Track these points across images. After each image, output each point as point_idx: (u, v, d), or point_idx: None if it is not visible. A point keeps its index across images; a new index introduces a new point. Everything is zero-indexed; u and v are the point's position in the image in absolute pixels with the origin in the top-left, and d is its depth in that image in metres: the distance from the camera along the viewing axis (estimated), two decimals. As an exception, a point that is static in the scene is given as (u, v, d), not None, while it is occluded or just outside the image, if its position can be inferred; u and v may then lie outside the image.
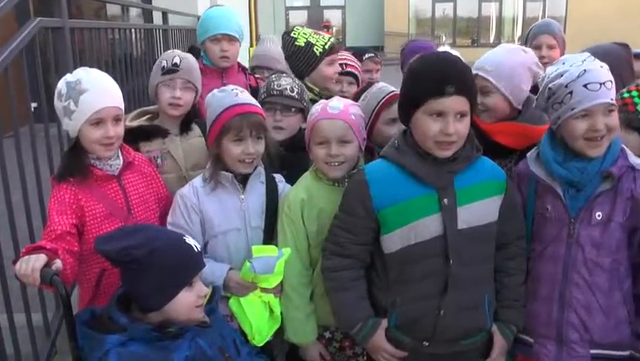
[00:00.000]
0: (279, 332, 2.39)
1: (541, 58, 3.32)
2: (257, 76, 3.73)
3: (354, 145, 2.35)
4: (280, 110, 2.74)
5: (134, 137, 2.64)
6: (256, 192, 2.45)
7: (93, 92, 2.21)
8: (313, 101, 2.81)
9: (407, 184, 2.10)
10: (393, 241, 2.13)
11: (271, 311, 2.36)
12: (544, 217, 2.22)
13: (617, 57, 2.91)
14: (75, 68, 2.36)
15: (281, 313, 2.38)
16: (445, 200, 2.08)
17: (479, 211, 2.13)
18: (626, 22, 21.01)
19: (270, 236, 2.45)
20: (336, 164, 2.33)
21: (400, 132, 2.20)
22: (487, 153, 2.22)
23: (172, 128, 2.79)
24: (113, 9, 8.61)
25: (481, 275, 2.17)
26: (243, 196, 2.41)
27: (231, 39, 3.38)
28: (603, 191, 2.09)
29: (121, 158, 2.39)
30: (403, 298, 2.15)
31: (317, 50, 3.14)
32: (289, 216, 2.38)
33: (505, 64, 2.49)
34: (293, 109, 2.76)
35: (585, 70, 2.05)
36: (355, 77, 3.73)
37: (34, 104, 3.03)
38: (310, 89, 3.03)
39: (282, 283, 2.37)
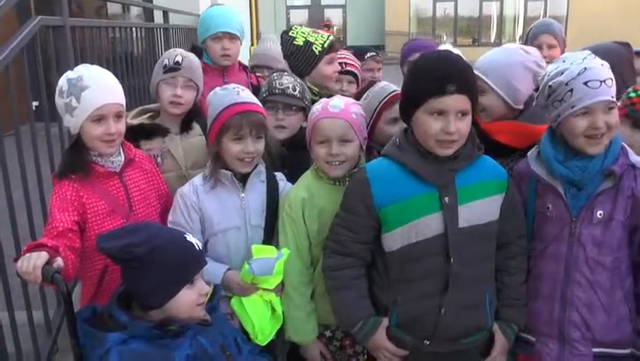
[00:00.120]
0: (280, 331, 2.39)
1: (543, 57, 3.32)
2: (258, 74, 3.73)
3: (355, 144, 2.35)
4: (282, 109, 2.74)
5: (135, 135, 2.64)
6: (256, 191, 2.45)
7: (95, 88, 2.21)
8: (313, 102, 2.81)
9: (408, 183, 2.10)
10: (394, 240, 2.13)
11: (273, 310, 2.36)
12: (545, 216, 2.22)
13: (618, 56, 2.90)
14: (76, 66, 2.35)
15: (282, 312, 2.39)
16: (446, 198, 2.08)
17: (480, 210, 2.13)
18: (627, 21, 20.99)
19: (270, 235, 2.45)
20: (337, 163, 2.33)
21: (401, 131, 2.20)
22: (489, 152, 2.22)
23: (173, 127, 2.79)
24: (114, 8, 8.62)
25: (481, 274, 2.17)
26: (243, 195, 2.41)
27: (232, 37, 3.38)
28: (604, 190, 2.09)
29: (122, 155, 2.39)
30: (404, 297, 2.15)
31: (316, 48, 3.13)
32: (290, 215, 2.38)
33: (499, 63, 2.49)
34: (294, 108, 2.76)
35: (586, 68, 2.05)
36: (355, 75, 3.72)
37: (35, 103, 3.04)
38: (309, 89, 3.03)
39: (282, 283, 2.37)
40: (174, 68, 2.74)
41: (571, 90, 2.05)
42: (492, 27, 26.90)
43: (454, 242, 2.07)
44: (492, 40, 25.98)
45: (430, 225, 2.08)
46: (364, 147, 2.45)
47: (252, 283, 2.28)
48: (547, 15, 23.24)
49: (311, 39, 3.15)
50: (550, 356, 2.21)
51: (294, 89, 2.74)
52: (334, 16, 28.76)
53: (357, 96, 2.76)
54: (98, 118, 2.24)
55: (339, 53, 3.43)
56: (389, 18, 25.95)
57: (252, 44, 11.72)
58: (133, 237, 1.84)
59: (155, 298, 1.87)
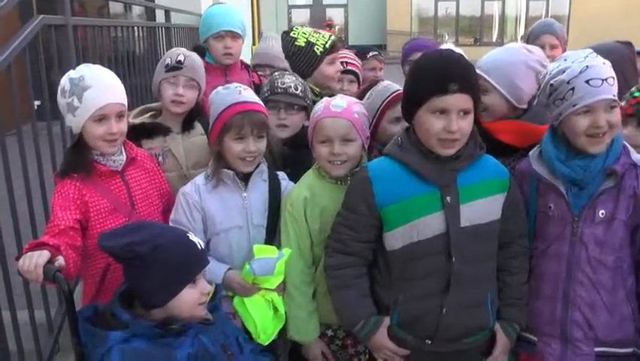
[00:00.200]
0: (282, 331, 2.40)
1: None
2: (260, 73, 3.73)
3: (357, 144, 2.35)
4: (284, 108, 2.74)
5: (137, 134, 2.65)
6: (258, 190, 2.45)
7: (96, 88, 2.22)
8: (314, 103, 2.81)
9: (410, 182, 2.10)
10: (395, 239, 2.13)
11: (275, 310, 2.36)
12: (546, 216, 2.21)
13: (620, 55, 2.90)
14: (78, 65, 2.35)
15: (285, 312, 2.39)
16: (448, 198, 2.08)
17: (482, 209, 2.12)
18: (630, 21, 20.96)
19: (272, 234, 2.46)
20: (339, 163, 2.33)
21: (403, 130, 2.20)
22: (491, 152, 2.22)
23: (174, 126, 2.80)
24: (116, 7, 8.62)
25: (483, 273, 2.17)
26: (245, 194, 2.41)
27: (234, 36, 3.38)
28: (606, 189, 2.08)
29: (124, 154, 2.40)
30: (406, 296, 2.15)
31: (317, 49, 3.12)
32: (292, 215, 2.38)
33: (502, 62, 2.48)
34: (296, 107, 2.76)
35: (587, 66, 2.04)
36: (356, 75, 3.72)
37: (37, 102, 3.04)
38: (311, 90, 3.02)
39: (284, 282, 2.37)
40: (176, 67, 2.74)
41: (572, 89, 2.05)
42: (494, 27, 26.88)
43: (455, 242, 2.07)
44: (494, 39, 25.96)
45: (432, 224, 2.08)
46: (366, 147, 2.44)
47: (253, 283, 2.28)
48: (549, 15, 23.22)
49: (312, 40, 3.15)
50: (552, 355, 2.21)
51: (296, 88, 2.74)
52: (336, 16, 28.74)
53: (361, 95, 2.75)
54: (100, 118, 2.24)
55: (340, 52, 3.43)
56: (391, 17, 25.94)
57: (254, 44, 11.72)
58: (135, 235, 1.84)
59: (157, 297, 1.87)
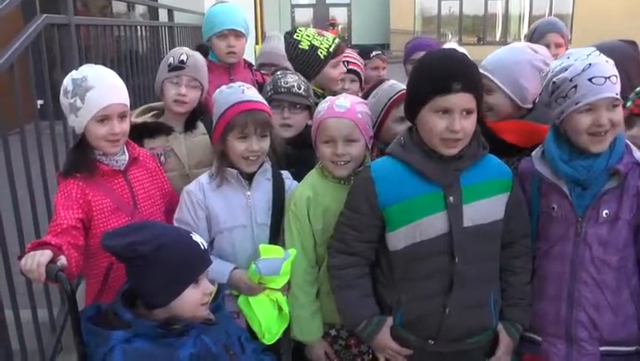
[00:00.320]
0: (285, 330, 2.40)
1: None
2: (263, 72, 3.73)
3: (360, 144, 2.34)
4: (287, 108, 2.74)
5: (139, 133, 2.65)
6: (262, 189, 2.45)
7: (99, 88, 2.22)
8: (317, 103, 2.80)
9: (413, 182, 2.09)
10: (398, 239, 2.12)
11: (280, 309, 2.37)
12: (550, 216, 2.20)
13: (623, 54, 2.88)
14: (81, 65, 2.36)
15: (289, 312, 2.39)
16: (451, 198, 2.07)
17: (485, 209, 2.12)
18: (633, 20, 20.89)
19: (276, 233, 2.46)
20: (342, 163, 2.33)
21: (406, 130, 2.20)
22: (495, 152, 2.21)
23: (177, 126, 2.80)
24: (118, 6, 8.62)
25: (486, 273, 2.17)
26: (249, 193, 2.41)
27: (238, 35, 3.38)
28: (610, 188, 2.07)
29: (127, 153, 2.40)
30: (408, 297, 2.15)
31: (321, 53, 3.11)
32: (295, 214, 2.38)
33: (506, 62, 2.48)
34: (299, 106, 2.76)
35: (590, 64, 2.03)
36: (357, 74, 3.72)
37: (40, 102, 3.04)
38: (313, 91, 3.02)
39: (289, 282, 2.37)
40: (179, 66, 2.74)
41: (575, 86, 2.04)
42: (497, 26, 26.84)
43: (458, 242, 2.06)
44: (497, 38, 25.92)
45: (435, 224, 2.07)
46: (370, 147, 2.44)
47: (259, 282, 2.28)
48: (553, 14, 23.18)
49: (316, 43, 3.13)
50: (557, 355, 2.20)
51: (299, 88, 2.74)
52: (339, 15, 28.74)
53: (366, 95, 2.75)
54: (102, 118, 2.24)
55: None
56: (394, 17, 25.92)
57: (257, 43, 11.72)
58: (138, 235, 1.84)
59: (160, 297, 1.87)
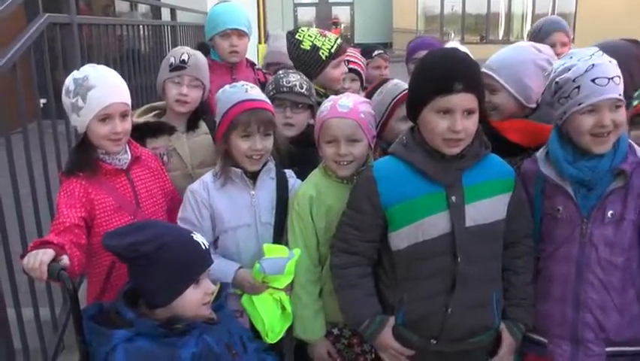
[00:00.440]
0: (288, 329, 2.40)
1: (556, 55, 3.29)
2: (265, 71, 3.73)
3: (363, 144, 2.34)
4: (290, 107, 2.74)
5: (141, 133, 2.65)
6: (266, 188, 2.45)
7: (100, 88, 2.23)
8: (319, 104, 2.80)
9: (415, 181, 2.09)
10: (400, 239, 2.12)
11: (283, 309, 2.37)
12: (555, 218, 2.19)
13: (626, 53, 2.87)
14: (83, 64, 2.37)
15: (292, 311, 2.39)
16: (453, 198, 2.07)
17: (487, 209, 2.11)
18: (636, 19, 20.83)
19: (279, 232, 2.46)
20: (345, 163, 2.33)
21: (408, 129, 2.19)
22: (498, 151, 2.21)
23: (179, 125, 2.80)
24: (121, 5, 8.63)
25: (488, 273, 2.16)
26: (253, 192, 2.42)
27: (241, 34, 3.38)
28: (614, 189, 2.06)
29: (129, 153, 2.41)
30: (411, 296, 2.15)
31: (323, 53, 3.10)
32: (298, 213, 2.38)
33: (510, 61, 2.47)
34: (301, 105, 2.76)
35: (593, 64, 2.02)
36: (358, 73, 3.72)
37: (43, 101, 3.04)
38: (316, 90, 3.01)
39: (292, 281, 2.37)
40: (180, 66, 2.74)
41: (578, 87, 2.02)
42: (500, 24, 26.81)
43: (460, 241, 2.06)
44: (500, 37, 25.90)
45: (437, 224, 2.07)
46: (373, 146, 2.44)
47: (262, 281, 2.29)
48: (556, 12, 23.13)
49: (318, 43, 3.12)
50: (563, 357, 2.19)
51: (301, 87, 2.74)
52: (342, 14, 28.73)
53: (369, 94, 2.75)
54: (104, 117, 2.25)
55: (342, 52, 3.41)
56: (397, 15, 25.90)
57: (260, 42, 11.71)
58: (139, 235, 1.84)
59: (161, 297, 1.87)
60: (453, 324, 2.11)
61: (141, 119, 2.77)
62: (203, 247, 1.93)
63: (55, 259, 1.89)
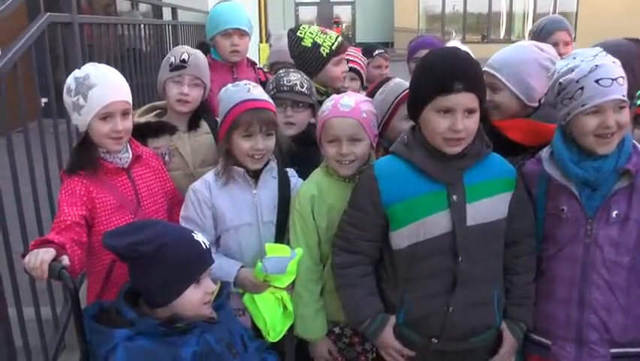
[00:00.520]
0: (289, 328, 2.40)
1: (558, 55, 3.28)
2: (265, 70, 3.73)
3: (365, 143, 2.34)
4: (290, 106, 2.73)
5: (142, 133, 2.65)
6: (268, 187, 2.45)
7: (101, 86, 2.23)
8: (319, 102, 2.80)
9: (416, 180, 2.09)
10: (401, 238, 2.12)
11: (284, 307, 2.37)
12: (559, 218, 2.17)
13: (628, 52, 2.87)
14: (84, 63, 2.37)
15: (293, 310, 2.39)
16: (454, 197, 2.07)
17: (489, 208, 2.11)
18: (637, 18, 20.82)
19: (281, 231, 2.46)
20: (347, 162, 2.33)
21: (409, 128, 2.19)
22: (499, 150, 2.20)
23: (180, 125, 2.80)
24: (122, 5, 8.63)
25: (489, 272, 2.16)
26: (255, 191, 2.42)
27: (242, 33, 3.37)
28: (619, 189, 2.06)
29: (130, 151, 2.41)
30: (411, 295, 2.15)
31: (324, 50, 3.10)
32: (299, 212, 2.38)
33: (513, 60, 2.46)
34: (302, 104, 2.75)
35: (597, 65, 2.01)
36: (357, 72, 3.71)
37: (44, 100, 3.04)
38: (316, 88, 3.01)
39: (294, 281, 2.38)
40: (180, 65, 2.74)
41: (581, 88, 2.02)
42: (501, 24, 26.79)
43: (461, 240, 2.06)
44: (501, 36, 25.87)
45: (438, 223, 2.07)
46: (374, 145, 2.44)
47: (264, 280, 2.29)
48: (557, 12, 23.11)
49: (319, 40, 3.12)
50: (567, 359, 2.17)
51: (302, 86, 2.73)
52: (343, 13, 28.70)
53: (371, 94, 2.74)
54: (105, 116, 2.25)
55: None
56: (398, 15, 25.89)
57: (261, 41, 11.72)
58: (140, 234, 1.84)
59: (161, 297, 1.87)
60: (454, 323, 2.11)
61: (142, 119, 2.76)
62: (204, 246, 1.92)
63: (55, 259, 1.90)
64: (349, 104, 2.33)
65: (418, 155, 2.09)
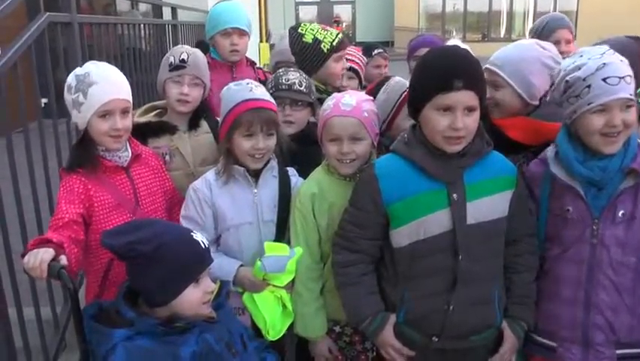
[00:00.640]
0: (289, 326, 2.40)
1: (560, 53, 3.27)
2: (265, 70, 3.73)
3: (366, 142, 2.34)
4: (289, 105, 2.73)
5: (143, 133, 2.65)
6: (269, 186, 2.45)
7: (101, 84, 2.23)
8: (317, 99, 2.80)
9: (416, 179, 2.09)
10: (402, 236, 2.12)
11: (284, 306, 2.37)
12: (564, 219, 2.15)
13: (629, 50, 2.86)
14: (84, 63, 2.37)
15: (293, 308, 2.39)
16: (455, 195, 2.06)
17: (489, 207, 2.10)
18: (638, 17, 20.80)
19: (282, 230, 2.46)
20: (348, 161, 2.33)
21: (410, 127, 2.19)
22: (499, 149, 2.19)
23: (180, 124, 2.80)
24: (122, 4, 8.63)
25: (490, 271, 2.15)
26: (255, 190, 2.42)
27: (241, 33, 3.38)
28: (625, 188, 2.04)
29: (129, 150, 2.41)
30: (412, 294, 2.14)
31: (324, 46, 3.11)
32: (300, 210, 2.38)
33: (515, 58, 2.45)
34: (301, 103, 2.75)
35: (604, 63, 1.99)
36: (355, 71, 3.71)
37: (44, 100, 3.04)
38: (316, 87, 3.01)
39: (293, 279, 2.37)
40: (180, 65, 2.74)
41: (588, 86, 1.99)
42: (502, 22, 26.81)
43: (462, 239, 2.05)
44: (502, 35, 25.90)
45: (438, 221, 2.07)
46: (376, 144, 2.43)
47: (263, 279, 2.29)
48: (557, 10, 23.08)
49: (320, 37, 3.13)
50: (573, 360, 2.17)
51: (301, 85, 2.73)
52: (343, 12, 28.75)
53: (372, 93, 2.74)
54: (104, 113, 2.25)
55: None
56: (398, 14, 25.93)
57: (261, 41, 11.71)
58: (138, 233, 1.84)
59: (160, 297, 1.87)
60: (454, 322, 2.11)
61: (143, 119, 2.76)
62: (203, 245, 1.92)
63: (54, 258, 1.89)
64: (351, 103, 2.33)
65: (418, 153, 2.09)
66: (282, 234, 2.46)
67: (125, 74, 2.40)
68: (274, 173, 2.47)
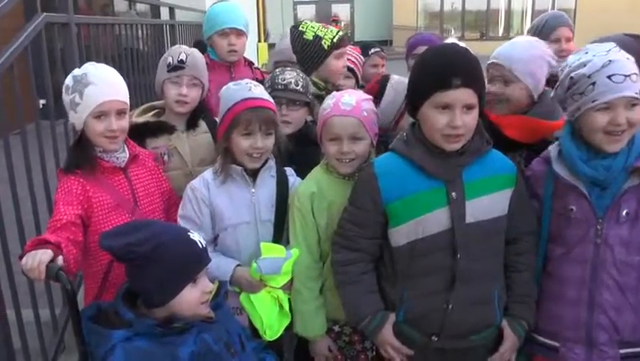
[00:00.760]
0: (288, 326, 2.40)
1: (560, 51, 3.27)
2: (263, 70, 3.72)
3: (365, 142, 2.34)
4: (286, 105, 2.73)
5: (141, 133, 2.64)
6: (267, 186, 2.45)
7: (98, 85, 2.23)
8: (317, 97, 2.79)
9: (415, 177, 2.08)
10: (401, 235, 2.12)
11: (281, 307, 2.37)
12: (568, 218, 2.13)
13: (628, 49, 2.86)
14: (81, 64, 2.37)
15: (291, 308, 2.39)
16: (454, 193, 2.06)
17: (488, 205, 2.10)
18: (636, 16, 20.79)
19: (279, 230, 2.46)
20: (347, 161, 2.33)
21: (409, 125, 2.19)
22: (497, 146, 2.18)
23: (179, 124, 2.80)
24: (119, 5, 8.62)
25: (489, 270, 2.15)
26: (253, 190, 2.41)
27: (239, 33, 3.38)
28: (629, 187, 2.03)
29: (126, 151, 2.40)
30: (411, 293, 2.14)
31: (325, 43, 3.12)
32: (299, 210, 2.38)
33: (526, 55, 2.45)
34: (298, 103, 2.75)
35: (610, 60, 1.97)
36: (353, 71, 3.71)
37: (42, 101, 3.03)
38: (315, 84, 3.01)
39: (291, 279, 2.37)
40: (178, 66, 2.73)
41: (593, 83, 1.97)
42: (500, 21, 26.81)
43: (461, 238, 2.05)
44: (500, 34, 25.88)
45: (437, 220, 2.06)
46: (375, 143, 2.43)
47: (259, 280, 2.30)
48: (556, 8, 23.08)
49: (320, 34, 3.15)
50: None
51: (297, 84, 2.73)
52: (342, 11, 28.75)
53: (370, 91, 2.73)
54: (100, 114, 2.25)
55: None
56: (397, 13, 25.92)
57: (260, 40, 11.71)
58: (136, 234, 1.83)
59: (158, 297, 1.86)
60: (453, 321, 2.11)
61: (141, 119, 2.76)
62: (201, 245, 1.92)
63: (52, 260, 1.89)
64: (350, 103, 2.32)
65: (417, 152, 2.08)
66: (279, 234, 2.45)
67: (122, 75, 2.40)
68: (272, 173, 2.47)
